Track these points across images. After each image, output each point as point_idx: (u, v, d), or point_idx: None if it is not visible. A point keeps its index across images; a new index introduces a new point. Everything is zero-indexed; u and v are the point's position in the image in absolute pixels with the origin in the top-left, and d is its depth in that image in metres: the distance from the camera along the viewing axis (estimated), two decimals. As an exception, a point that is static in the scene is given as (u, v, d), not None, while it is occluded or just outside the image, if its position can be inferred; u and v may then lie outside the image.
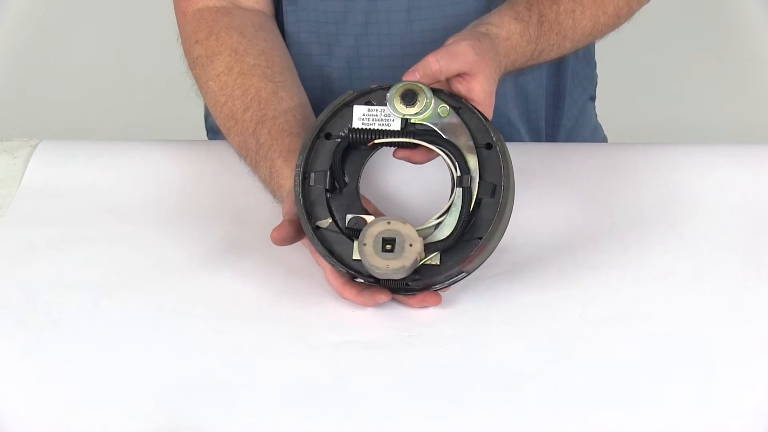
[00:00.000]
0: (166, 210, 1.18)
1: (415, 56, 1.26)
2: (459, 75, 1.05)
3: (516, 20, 1.14)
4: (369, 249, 1.01)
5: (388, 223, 1.02)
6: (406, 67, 1.27)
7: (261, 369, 1.00)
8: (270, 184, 1.12)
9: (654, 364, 1.00)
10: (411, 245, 1.01)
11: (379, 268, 1.01)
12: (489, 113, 1.05)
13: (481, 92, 1.05)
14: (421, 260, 1.02)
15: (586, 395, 0.97)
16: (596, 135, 1.46)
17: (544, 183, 1.20)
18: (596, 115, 1.48)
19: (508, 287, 1.08)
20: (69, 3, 2.48)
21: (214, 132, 1.41)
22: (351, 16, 1.26)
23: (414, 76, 1.04)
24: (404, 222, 1.01)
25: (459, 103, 1.04)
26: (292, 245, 1.06)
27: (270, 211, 1.14)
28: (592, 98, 1.47)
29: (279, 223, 1.05)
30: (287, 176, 1.10)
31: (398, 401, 0.97)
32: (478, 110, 1.04)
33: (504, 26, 1.13)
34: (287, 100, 1.16)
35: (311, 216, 1.04)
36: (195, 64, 1.22)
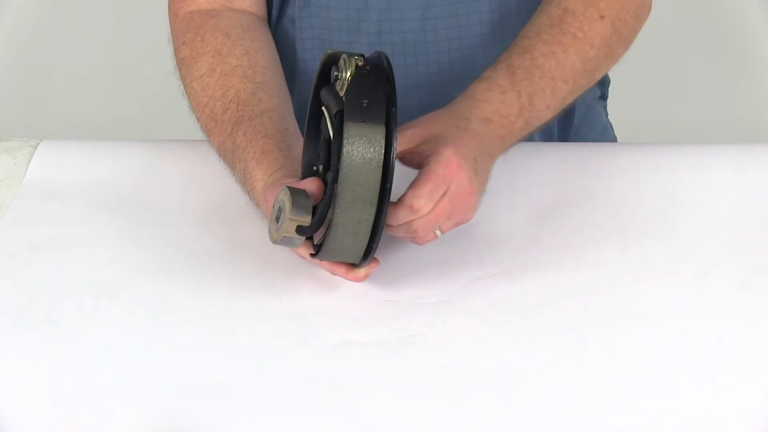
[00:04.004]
0: (165, 210, 1.18)
1: (429, 65, 1.27)
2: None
3: (478, 82, 1.12)
4: (272, 214, 1.02)
5: (287, 189, 1.01)
6: (420, 75, 1.27)
7: (261, 369, 1.00)
8: (245, 185, 1.13)
9: (654, 364, 1.00)
10: (290, 219, 1.00)
11: (270, 234, 1.01)
12: (446, 157, 1.03)
13: (429, 147, 1.04)
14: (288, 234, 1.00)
15: (586, 395, 0.97)
16: (606, 135, 1.46)
17: (544, 183, 1.20)
18: (607, 114, 1.48)
19: (508, 287, 1.08)
20: (69, 3, 2.48)
21: None
22: (364, 24, 1.26)
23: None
24: (295, 193, 1.00)
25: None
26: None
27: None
28: (603, 97, 1.47)
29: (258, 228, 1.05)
30: (259, 178, 1.10)
31: (398, 401, 0.97)
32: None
33: (465, 92, 1.12)
34: (265, 101, 1.16)
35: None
36: (181, 65, 1.23)
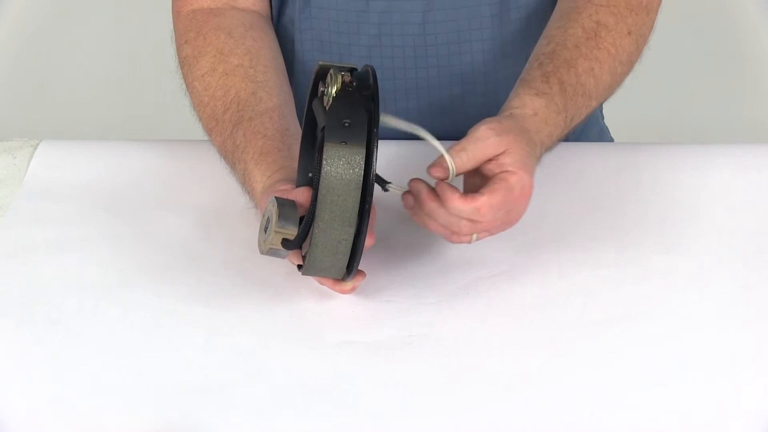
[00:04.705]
0: (165, 210, 1.18)
1: (428, 68, 1.27)
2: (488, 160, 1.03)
3: (537, 95, 1.10)
4: (262, 223, 1.01)
5: (275, 200, 1.00)
6: (419, 78, 1.27)
7: (261, 369, 1.00)
8: (245, 185, 1.13)
9: (654, 364, 1.00)
10: (275, 231, 1.00)
11: (259, 245, 1.01)
12: (525, 182, 1.02)
13: (513, 164, 1.02)
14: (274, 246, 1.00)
15: (586, 395, 0.97)
16: (602, 137, 1.46)
17: (544, 183, 1.20)
18: (603, 117, 1.48)
19: (508, 287, 1.08)
20: (69, 3, 2.48)
21: None
22: (364, 27, 1.26)
23: (438, 173, 1.02)
24: (282, 204, 1.00)
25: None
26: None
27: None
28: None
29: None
30: (258, 179, 1.10)
31: (398, 401, 0.97)
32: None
33: (527, 105, 1.09)
34: (266, 100, 1.16)
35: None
36: (183, 64, 1.22)
